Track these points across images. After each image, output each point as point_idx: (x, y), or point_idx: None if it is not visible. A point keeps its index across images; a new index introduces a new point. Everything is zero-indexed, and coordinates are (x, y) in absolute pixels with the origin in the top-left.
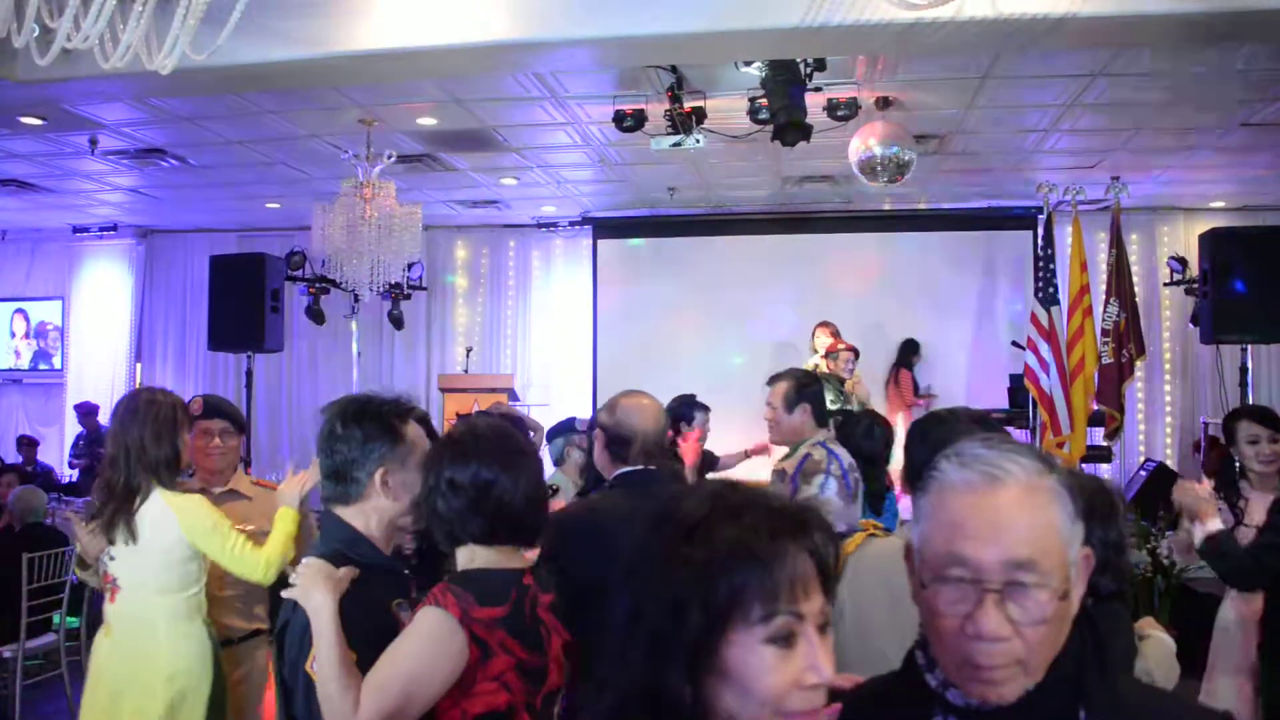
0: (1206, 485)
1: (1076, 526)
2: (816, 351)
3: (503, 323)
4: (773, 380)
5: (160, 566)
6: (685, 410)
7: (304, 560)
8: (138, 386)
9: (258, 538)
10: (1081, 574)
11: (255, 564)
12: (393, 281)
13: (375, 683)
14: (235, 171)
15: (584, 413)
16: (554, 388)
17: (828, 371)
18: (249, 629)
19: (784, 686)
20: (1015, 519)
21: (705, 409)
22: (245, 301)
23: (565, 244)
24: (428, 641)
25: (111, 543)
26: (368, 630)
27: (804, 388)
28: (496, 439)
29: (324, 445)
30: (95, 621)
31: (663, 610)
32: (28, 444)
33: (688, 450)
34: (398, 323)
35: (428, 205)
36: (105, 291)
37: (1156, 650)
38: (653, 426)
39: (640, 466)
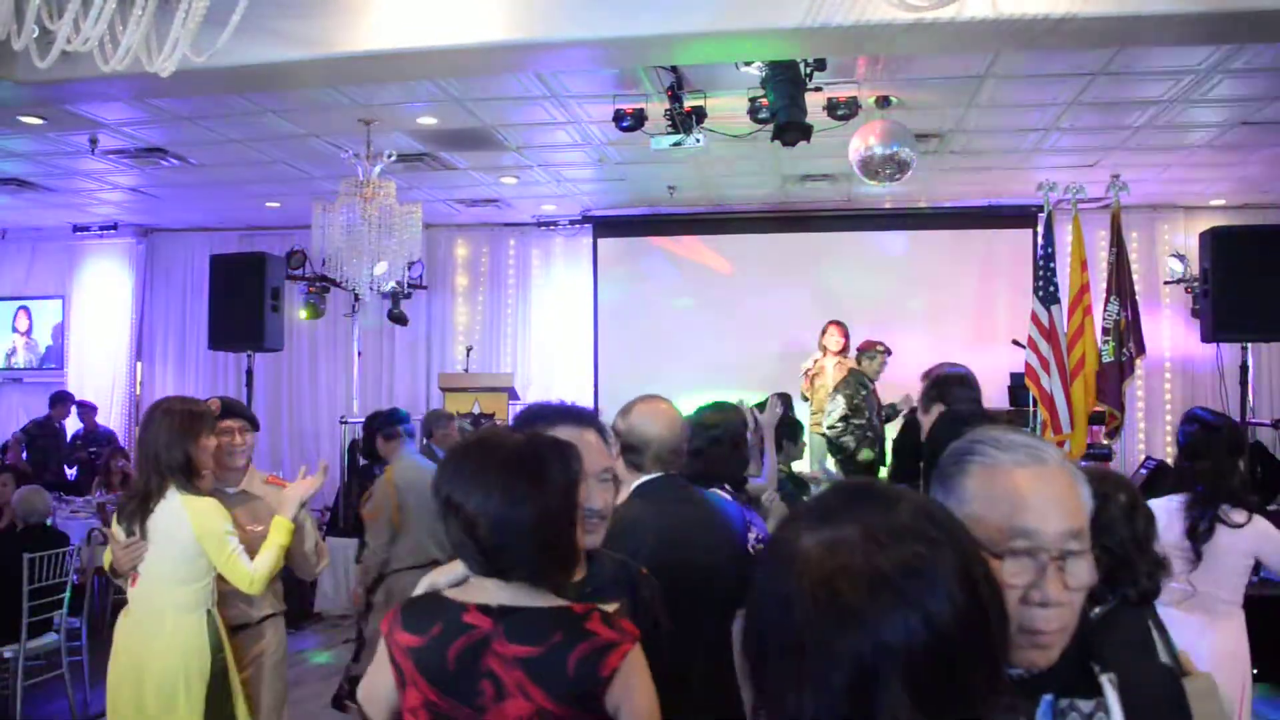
0: None
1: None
2: (826, 350)
3: (503, 321)
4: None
5: (175, 560)
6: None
7: None
8: (150, 393)
9: (260, 542)
10: None
11: (244, 576)
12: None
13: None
14: (235, 170)
15: None
16: (554, 386)
17: (850, 369)
18: (261, 615)
19: None
20: (1066, 493)
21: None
22: (245, 300)
23: (565, 242)
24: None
25: (129, 534)
26: None
27: (937, 385)
28: (468, 450)
29: None
30: (96, 621)
31: None
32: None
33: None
34: (399, 321)
35: (427, 204)
36: (105, 290)
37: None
38: (668, 433)
39: (659, 474)
